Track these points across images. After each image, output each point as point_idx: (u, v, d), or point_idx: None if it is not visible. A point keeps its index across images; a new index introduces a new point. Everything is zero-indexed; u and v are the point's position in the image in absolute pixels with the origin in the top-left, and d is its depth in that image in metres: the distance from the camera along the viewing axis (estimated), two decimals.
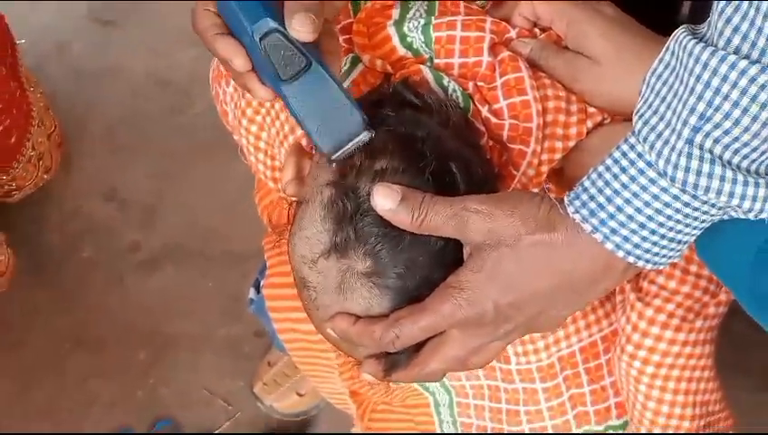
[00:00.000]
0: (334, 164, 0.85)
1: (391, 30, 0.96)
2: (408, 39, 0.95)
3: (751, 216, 0.79)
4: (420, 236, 0.82)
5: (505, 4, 1.00)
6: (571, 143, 0.95)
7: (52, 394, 1.64)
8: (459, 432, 1.21)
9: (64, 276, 1.74)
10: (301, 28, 0.81)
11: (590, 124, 0.95)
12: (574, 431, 1.11)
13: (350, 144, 0.83)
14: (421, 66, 0.95)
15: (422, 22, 0.96)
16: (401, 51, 0.96)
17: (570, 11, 0.95)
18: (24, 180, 1.68)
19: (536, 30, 0.98)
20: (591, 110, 0.95)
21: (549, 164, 0.95)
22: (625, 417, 1.10)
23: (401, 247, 0.82)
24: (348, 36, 0.99)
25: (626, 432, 1.13)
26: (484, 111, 0.93)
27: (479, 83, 0.95)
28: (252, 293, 1.46)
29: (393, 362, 0.87)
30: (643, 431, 1.06)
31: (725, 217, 0.82)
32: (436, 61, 0.96)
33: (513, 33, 0.96)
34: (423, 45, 0.95)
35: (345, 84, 0.95)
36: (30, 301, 1.71)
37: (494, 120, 0.93)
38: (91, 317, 1.70)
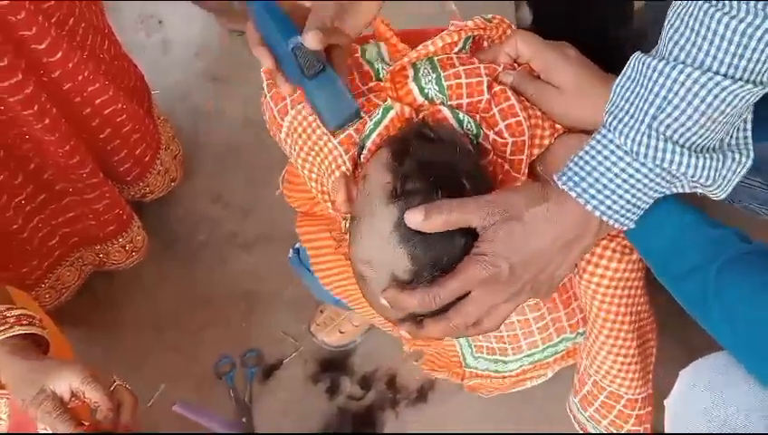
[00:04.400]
0: (381, 189, 0.94)
1: (412, 85, 1.05)
2: (425, 90, 1.05)
3: (699, 185, 0.92)
4: (444, 234, 0.90)
5: (492, 48, 1.09)
6: (544, 149, 1.04)
7: (176, 335, 1.79)
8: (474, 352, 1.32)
9: (184, 254, 1.89)
10: (311, 41, 0.94)
11: (555, 136, 1.04)
12: (555, 340, 1.23)
13: (349, 123, 0.99)
14: (441, 107, 1.03)
15: (434, 76, 1.05)
16: (420, 99, 1.05)
17: (543, 51, 1.04)
18: (156, 187, 1.84)
19: (515, 64, 1.07)
20: (558, 126, 1.05)
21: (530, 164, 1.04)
22: (585, 327, 1.19)
23: (430, 245, 0.92)
24: (375, 93, 1.07)
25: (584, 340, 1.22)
26: (491, 134, 1.03)
27: (482, 114, 1.04)
28: (291, 253, 1.58)
29: (424, 321, 0.96)
30: (595, 333, 1.16)
31: (674, 190, 0.92)
32: (450, 102, 1.04)
33: (500, 69, 1.06)
34: (437, 93, 1.05)
35: (379, 129, 1.03)
36: (159, 270, 1.86)
37: (498, 139, 1.03)
38: (203, 283, 1.85)
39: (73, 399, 1.06)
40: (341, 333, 1.75)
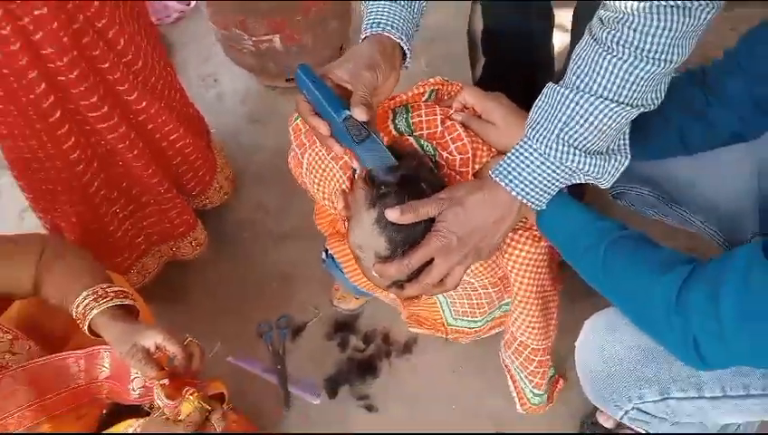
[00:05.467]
0: (366, 196, 0.98)
1: (390, 124, 1.10)
2: (398, 127, 1.09)
3: (591, 178, 0.95)
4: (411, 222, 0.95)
5: (447, 101, 1.12)
6: (483, 164, 1.07)
7: (228, 307, 1.77)
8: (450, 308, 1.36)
9: (235, 248, 1.88)
10: (360, 114, 0.94)
11: (491, 155, 1.07)
12: (501, 303, 1.29)
13: (388, 165, 0.98)
14: (409, 137, 1.07)
15: (405, 116, 1.09)
16: (395, 133, 1.09)
17: (483, 100, 1.07)
18: (213, 199, 1.84)
19: (465, 109, 1.10)
20: (493, 149, 1.07)
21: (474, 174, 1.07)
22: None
23: (401, 229, 0.97)
24: None
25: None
26: (445, 154, 1.07)
27: (438, 141, 1.07)
28: (323, 256, 1.57)
29: (404, 285, 1.02)
30: (514, 298, 1.18)
31: (573, 181, 0.96)
32: (415, 133, 1.08)
33: (452, 111, 1.09)
34: (407, 128, 1.09)
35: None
36: (216, 260, 1.84)
37: (450, 157, 1.06)
38: (248, 268, 1.83)
39: (157, 351, 1.08)
40: (356, 299, 1.72)
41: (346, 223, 1.08)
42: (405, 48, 1.02)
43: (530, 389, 1.42)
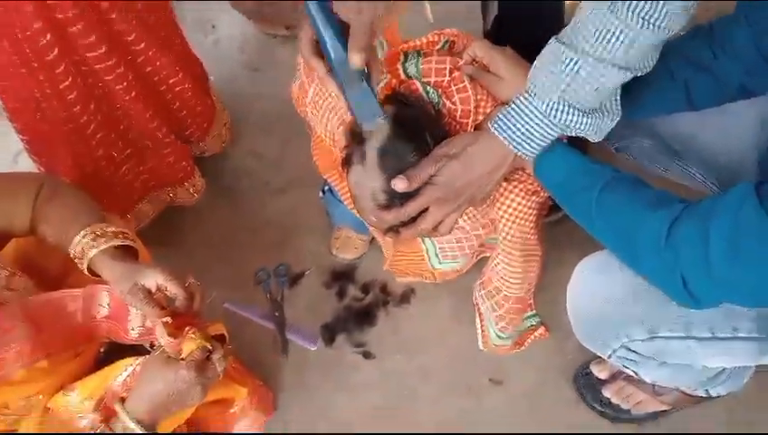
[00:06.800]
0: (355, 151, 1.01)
1: (400, 67, 1.11)
2: (408, 70, 1.10)
3: (583, 133, 0.98)
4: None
5: (458, 53, 1.13)
6: (487, 115, 1.08)
7: (226, 254, 1.78)
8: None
9: (233, 195, 1.88)
10: (356, 61, 0.91)
11: (495, 106, 1.08)
12: (486, 240, 1.31)
13: (375, 123, 0.98)
14: (416, 81, 1.08)
15: (416, 60, 1.10)
16: (403, 76, 1.10)
17: (491, 53, 1.08)
18: (211, 147, 1.83)
19: (475, 62, 1.10)
20: (498, 101, 1.08)
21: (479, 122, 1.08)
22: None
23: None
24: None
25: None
26: (448, 103, 1.07)
27: (444, 89, 1.08)
28: (321, 193, 1.67)
29: (399, 229, 1.06)
30: (498, 244, 1.23)
31: (566, 134, 0.99)
32: (423, 79, 1.09)
33: (461, 63, 1.09)
34: (415, 73, 1.09)
35: (378, 87, 1.02)
36: (214, 207, 1.84)
37: (452, 106, 1.07)
38: (247, 216, 1.83)
39: (157, 291, 1.07)
40: (355, 248, 1.73)
41: (343, 163, 1.09)
42: None
43: (494, 330, 1.48)
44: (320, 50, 0.95)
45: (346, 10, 0.90)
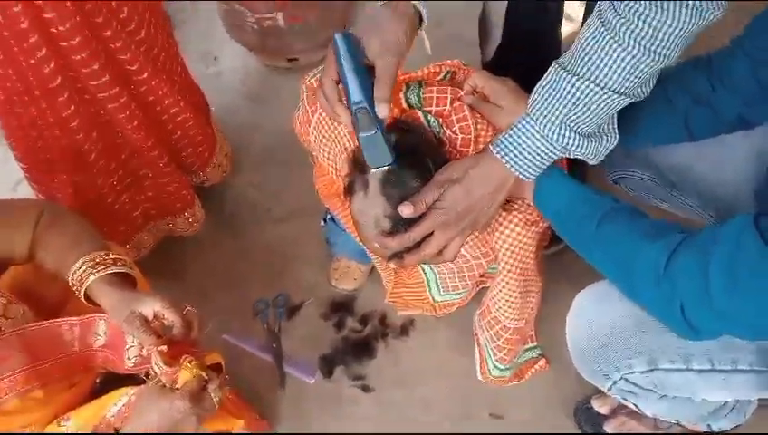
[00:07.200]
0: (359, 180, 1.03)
1: (402, 97, 1.12)
2: (409, 100, 1.11)
3: (582, 156, 0.99)
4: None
5: (458, 82, 1.14)
6: (487, 144, 1.06)
7: (224, 284, 1.77)
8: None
9: (232, 225, 1.88)
10: (383, 111, 0.96)
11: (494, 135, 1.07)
12: (487, 269, 1.30)
13: (383, 167, 0.99)
14: (418, 111, 1.10)
15: (417, 91, 1.12)
16: (405, 105, 1.12)
17: (490, 82, 1.09)
18: (212, 176, 1.82)
19: (475, 92, 1.11)
20: (498, 130, 1.07)
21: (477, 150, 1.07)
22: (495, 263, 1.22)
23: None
24: None
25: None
26: (449, 131, 1.09)
27: (445, 118, 1.09)
28: (322, 222, 1.69)
29: (403, 255, 1.06)
30: (498, 275, 1.22)
31: (567, 156, 0.99)
32: (424, 108, 1.10)
33: (461, 93, 1.10)
34: (417, 102, 1.11)
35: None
36: (213, 237, 1.85)
37: (453, 135, 1.09)
38: (246, 246, 1.83)
39: (154, 320, 1.06)
40: (355, 279, 1.73)
41: (346, 190, 1.10)
42: (422, 11, 1.03)
43: (492, 361, 1.47)
44: (341, 92, 0.98)
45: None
